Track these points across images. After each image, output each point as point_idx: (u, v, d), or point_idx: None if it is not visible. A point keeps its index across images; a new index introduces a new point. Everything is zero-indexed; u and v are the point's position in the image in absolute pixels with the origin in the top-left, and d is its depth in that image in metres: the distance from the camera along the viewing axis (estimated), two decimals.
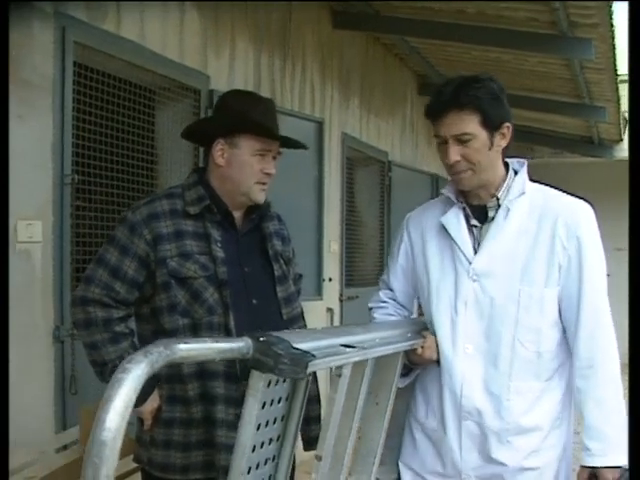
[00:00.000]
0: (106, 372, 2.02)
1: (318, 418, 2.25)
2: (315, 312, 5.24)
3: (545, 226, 1.95)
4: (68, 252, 3.02)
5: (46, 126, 2.92)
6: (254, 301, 2.10)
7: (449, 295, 2.01)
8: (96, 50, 3.18)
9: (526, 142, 9.70)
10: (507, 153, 2.02)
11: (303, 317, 2.28)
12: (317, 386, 2.27)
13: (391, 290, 2.24)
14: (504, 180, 2.00)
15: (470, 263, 1.98)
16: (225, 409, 1.99)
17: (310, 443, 2.25)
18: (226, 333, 2.00)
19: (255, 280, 2.12)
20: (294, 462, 2.27)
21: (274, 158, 2.13)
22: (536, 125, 8.64)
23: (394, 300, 2.24)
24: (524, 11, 4.66)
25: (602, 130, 8.45)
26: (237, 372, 2.00)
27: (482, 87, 1.90)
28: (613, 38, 4.81)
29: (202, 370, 2.00)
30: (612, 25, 4.56)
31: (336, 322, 5.78)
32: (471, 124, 1.89)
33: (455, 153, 1.92)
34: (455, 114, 1.90)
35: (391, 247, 2.27)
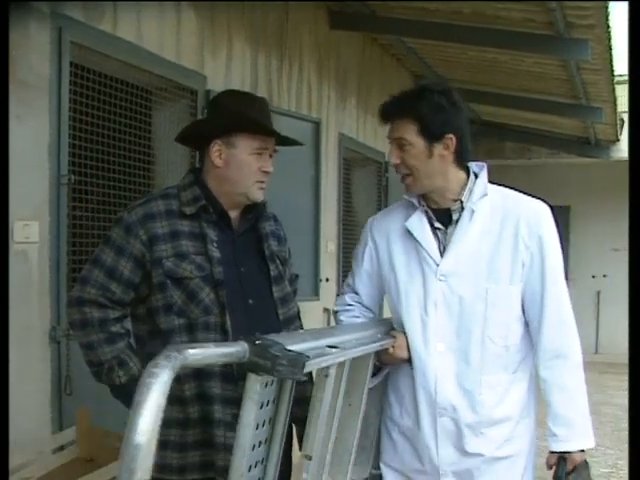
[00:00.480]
0: (102, 372, 2.02)
1: None
2: (312, 312, 5.25)
3: (508, 226, 2.04)
4: (65, 252, 3.02)
5: (43, 126, 2.92)
6: (250, 301, 2.10)
7: (418, 296, 2.08)
8: (93, 50, 3.18)
9: (523, 143, 9.72)
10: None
11: (299, 317, 2.28)
12: (313, 385, 2.27)
13: (356, 294, 2.30)
14: (465, 184, 2.07)
15: (437, 265, 2.05)
16: (222, 409, 1.99)
17: None
18: (222, 333, 2.01)
19: (251, 280, 2.12)
20: (290, 462, 2.28)
21: (271, 156, 2.13)
22: (533, 126, 8.67)
23: (360, 303, 2.30)
24: (521, 12, 4.67)
25: (599, 131, 8.47)
26: (234, 372, 2.00)
27: (424, 99, 2.01)
28: (609, 39, 4.83)
29: (199, 370, 2.00)
30: (608, 26, 4.58)
31: (333, 322, 5.77)
32: (408, 132, 2.01)
33: (395, 156, 2.07)
34: (397, 120, 2.05)
35: (355, 252, 2.32)
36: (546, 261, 2.03)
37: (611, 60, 5.35)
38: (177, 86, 3.79)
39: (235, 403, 2.00)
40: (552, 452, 2.05)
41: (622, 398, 7.49)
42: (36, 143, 2.88)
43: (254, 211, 2.19)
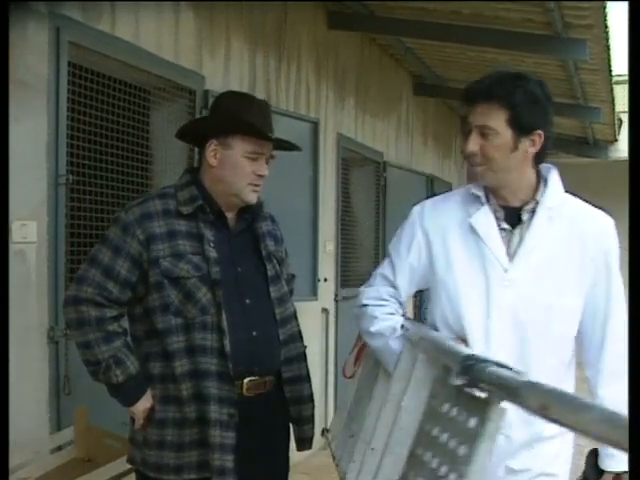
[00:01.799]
0: (99, 371, 2.02)
1: (311, 418, 2.26)
2: (310, 312, 5.25)
3: (575, 236, 1.91)
4: (63, 252, 3.01)
5: (41, 126, 2.92)
6: (247, 301, 2.10)
7: (481, 302, 1.90)
8: (91, 50, 3.17)
9: None
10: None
11: (296, 317, 2.29)
12: (310, 385, 2.28)
13: (394, 288, 2.08)
14: (535, 186, 1.94)
15: (505, 269, 1.89)
16: (219, 409, 1.99)
17: (303, 443, 2.27)
18: (219, 333, 2.01)
19: (248, 280, 2.13)
20: (288, 463, 2.29)
21: (267, 161, 2.13)
22: None
23: (395, 299, 2.08)
24: (519, 12, 4.67)
25: (597, 131, 8.48)
26: (229, 372, 2.00)
27: (521, 86, 1.83)
28: (607, 39, 4.83)
29: (195, 370, 2.00)
30: (606, 26, 4.58)
31: (331, 322, 5.79)
32: (496, 119, 1.83)
33: (474, 144, 1.87)
34: (485, 105, 1.84)
35: (396, 242, 2.09)
36: (611, 277, 1.92)
37: (609, 60, 5.35)
38: (175, 86, 3.79)
39: (231, 403, 2.00)
40: (607, 472, 1.93)
41: None
42: (34, 143, 2.88)
43: (251, 211, 2.19)
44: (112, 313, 2.03)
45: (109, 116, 3.34)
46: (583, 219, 1.95)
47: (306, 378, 2.26)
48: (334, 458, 2.39)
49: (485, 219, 1.93)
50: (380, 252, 6.76)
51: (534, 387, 1.10)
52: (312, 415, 2.27)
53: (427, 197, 7.28)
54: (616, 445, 0.93)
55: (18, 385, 2.66)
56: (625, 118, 8.58)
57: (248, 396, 2.06)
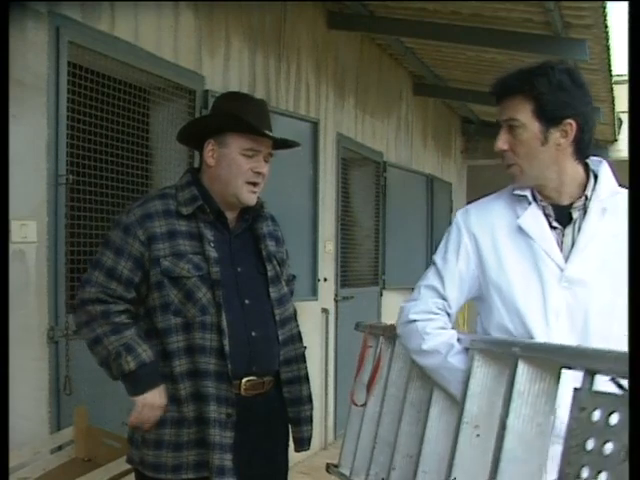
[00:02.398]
0: (112, 363, 2.00)
1: (309, 419, 2.26)
2: (310, 312, 5.25)
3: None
4: (63, 252, 3.01)
5: (40, 126, 2.92)
6: (246, 301, 2.10)
7: (538, 305, 1.80)
8: (90, 50, 3.17)
9: None
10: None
11: (296, 318, 2.28)
12: (309, 386, 2.28)
13: (444, 299, 1.92)
14: (585, 182, 1.84)
15: (561, 269, 1.79)
16: (217, 408, 1.99)
17: (301, 444, 2.26)
18: (218, 333, 2.01)
19: (248, 280, 2.13)
20: (287, 463, 2.29)
21: (266, 160, 2.13)
22: None
23: (444, 311, 1.93)
24: (519, 12, 4.67)
25: (597, 130, 8.43)
26: (228, 372, 2.00)
27: (545, 75, 1.76)
28: (607, 39, 4.83)
29: (194, 369, 2.00)
30: (606, 26, 4.58)
31: (331, 322, 5.79)
32: (522, 112, 1.77)
33: (502, 141, 1.82)
34: (510, 99, 1.80)
35: (442, 250, 1.96)
36: None
37: (609, 60, 5.35)
38: (175, 86, 3.79)
39: (229, 403, 2.00)
40: None
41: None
42: (34, 143, 2.88)
43: (251, 212, 2.19)
44: (118, 307, 2.02)
45: (109, 116, 3.34)
46: None
47: (305, 379, 2.26)
48: None
49: (534, 218, 1.84)
50: (380, 252, 6.77)
51: None
52: (311, 416, 2.27)
53: (427, 197, 7.29)
54: None
55: (18, 385, 2.66)
56: (625, 118, 8.58)
57: (246, 396, 2.06)
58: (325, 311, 5.69)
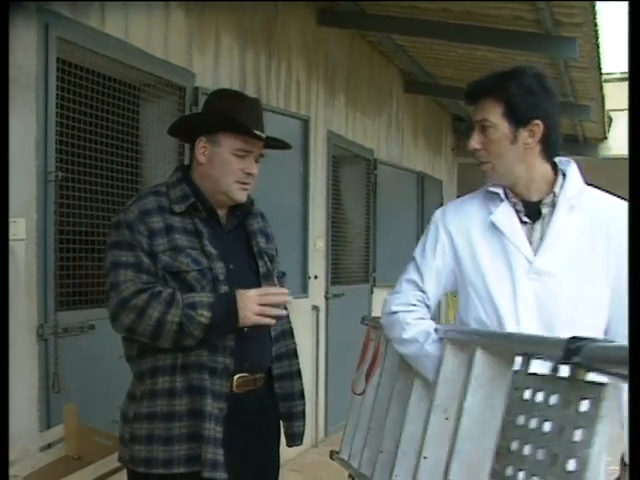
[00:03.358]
0: (188, 329, 1.94)
1: (301, 414, 2.26)
2: (301, 310, 5.25)
3: (600, 226, 1.92)
4: (52, 250, 3.00)
5: (29, 123, 2.91)
6: None
7: (508, 296, 1.93)
8: (80, 47, 3.16)
9: None
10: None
11: (287, 315, 2.28)
12: (301, 382, 2.28)
13: (423, 292, 2.08)
14: (553, 180, 1.97)
15: (529, 262, 1.91)
16: (213, 402, 1.99)
17: (293, 439, 2.27)
18: None
19: (240, 277, 2.13)
20: (279, 460, 2.29)
21: (257, 160, 2.13)
22: None
23: (424, 303, 2.09)
24: (509, 10, 4.68)
25: (586, 128, 8.51)
26: (220, 367, 2.00)
27: (515, 79, 1.89)
28: (597, 37, 4.85)
29: (186, 363, 2.00)
30: (596, 24, 4.60)
31: (322, 320, 5.79)
32: (493, 113, 1.91)
33: (475, 140, 1.96)
34: (483, 101, 1.94)
35: (420, 247, 2.11)
36: None
37: (599, 58, 5.37)
38: (165, 83, 3.78)
39: (221, 398, 2.01)
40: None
41: None
42: (23, 140, 2.87)
43: (242, 209, 2.20)
44: (158, 288, 1.98)
45: (98, 113, 3.32)
46: (606, 209, 1.95)
47: (297, 374, 2.27)
48: (358, 476, 2.41)
49: (506, 215, 1.97)
50: (370, 249, 6.77)
51: None
52: (303, 411, 2.27)
53: (418, 194, 7.32)
54: None
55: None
56: (614, 116, 8.61)
57: (238, 393, 2.06)
58: (316, 308, 5.69)
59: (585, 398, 1.21)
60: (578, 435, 1.21)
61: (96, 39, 3.24)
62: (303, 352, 2.39)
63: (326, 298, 5.90)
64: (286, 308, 2.29)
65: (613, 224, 1.91)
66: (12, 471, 2.46)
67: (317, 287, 5.69)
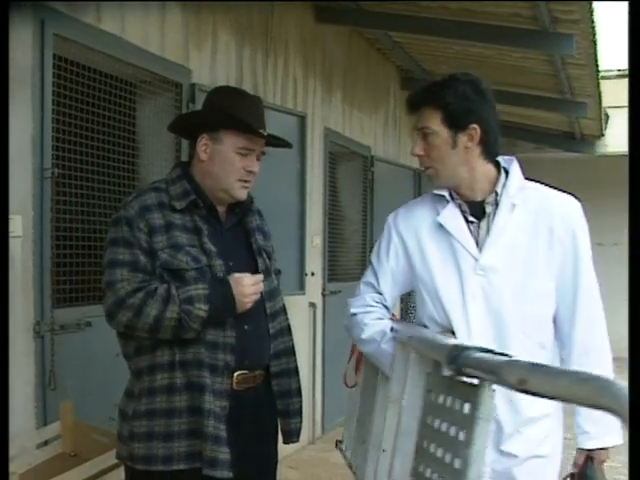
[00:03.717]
0: (188, 323, 1.96)
1: (298, 411, 2.26)
2: (297, 307, 5.25)
3: (542, 220, 2.00)
4: (48, 247, 3.00)
5: (25, 119, 2.90)
6: None
7: (456, 294, 2.02)
8: (76, 43, 3.15)
9: (509, 137, 9.75)
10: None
11: (285, 311, 2.29)
12: (298, 379, 2.28)
13: (379, 294, 2.19)
14: (495, 178, 2.04)
15: (475, 259, 2.00)
16: (213, 400, 1.99)
17: (290, 436, 2.27)
18: (212, 325, 2.02)
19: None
20: (277, 457, 2.29)
21: (258, 158, 2.13)
22: (518, 120, 8.69)
23: (381, 304, 2.19)
24: (506, 6, 4.67)
25: (583, 126, 8.51)
26: (221, 365, 2.00)
27: (450, 87, 1.98)
28: (594, 34, 4.85)
29: (190, 360, 2.00)
30: (593, 21, 4.59)
31: (319, 317, 5.79)
32: (432, 120, 1.99)
33: (418, 147, 2.05)
34: (422, 109, 2.03)
35: (376, 250, 2.23)
36: (579, 257, 1.99)
37: (596, 55, 5.37)
38: (162, 79, 3.77)
39: (223, 396, 2.01)
40: (582, 449, 2.00)
41: None
42: (19, 136, 2.86)
43: (241, 206, 2.20)
44: (154, 284, 1.99)
45: (95, 109, 3.32)
46: (549, 203, 2.04)
47: (294, 372, 2.27)
48: (351, 467, 2.48)
49: (452, 215, 2.06)
50: (368, 246, 6.77)
51: (511, 364, 1.18)
52: (300, 408, 2.27)
53: (415, 191, 7.36)
54: (590, 402, 0.99)
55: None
56: (612, 113, 8.61)
57: (238, 390, 2.06)
58: (312, 305, 5.69)
59: (467, 401, 1.31)
60: (462, 436, 1.30)
61: (92, 35, 3.22)
62: (300, 349, 2.39)
63: (323, 295, 5.90)
64: (284, 305, 2.30)
65: (555, 217, 2.00)
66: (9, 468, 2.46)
67: (314, 284, 5.69)
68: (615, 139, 8.87)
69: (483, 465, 1.27)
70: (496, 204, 2.03)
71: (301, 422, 2.28)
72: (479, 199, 2.04)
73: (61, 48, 3.06)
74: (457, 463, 1.29)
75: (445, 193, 2.07)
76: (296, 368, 2.28)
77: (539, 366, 1.14)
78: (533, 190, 2.06)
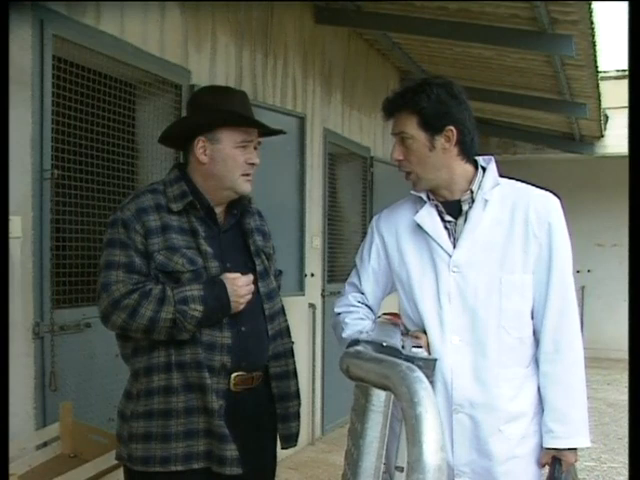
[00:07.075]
0: (183, 324, 1.96)
1: (297, 414, 2.26)
2: (297, 308, 5.25)
3: (518, 215, 2.02)
4: (48, 248, 3.00)
5: (25, 120, 2.90)
6: None
7: (432, 290, 2.04)
8: (76, 44, 3.15)
9: (508, 138, 9.76)
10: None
11: (284, 312, 2.29)
12: (297, 382, 2.27)
13: (362, 293, 2.24)
14: (473, 177, 2.07)
15: (450, 256, 2.03)
16: (217, 399, 1.99)
17: (288, 441, 2.25)
18: (209, 327, 2.01)
19: None
20: (276, 457, 2.29)
21: (256, 148, 2.14)
22: (518, 121, 8.70)
23: (364, 304, 2.23)
24: (505, 7, 4.68)
25: (583, 126, 8.51)
26: (218, 365, 2.00)
27: (424, 92, 2.00)
28: (593, 35, 4.85)
29: (187, 361, 2.00)
30: (592, 22, 4.59)
31: (318, 318, 5.79)
32: (409, 125, 2.01)
33: (397, 152, 2.06)
34: (398, 115, 2.04)
35: (360, 251, 2.28)
36: (554, 251, 2.01)
37: (595, 56, 5.37)
38: (161, 80, 3.77)
39: (219, 395, 2.01)
40: (547, 449, 2.00)
41: (605, 392, 7.57)
42: (18, 137, 2.86)
43: (239, 207, 2.20)
44: (148, 285, 1.99)
45: (94, 110, 3.32)
46: (525, 198, 2.05)
47: (293, 374, 2.26)
48: None
49: (428, 215, 2.09)
50: None
51: (345, 354, 1.25)
52: (298, 412, 2.27)
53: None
54: (385, 383, 1.08)
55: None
56: (611, 114, 8.62)
57: (235, 391, 2.06)
58: (312, 306, 5.69)
59: (367, 394, 1.36)
60: (359, 428, 1.36)
61: (92, 36, 3.23)
62: (299, 350, 2.39)
63: (322, 296, 5.90)
64: (284, 306, 2.30)
65: (531, 211, 2.02)
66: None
67: (313, 285, 5.69)
68: (614, 140, 8.87)
69: (378, 459, 1.31)
70: (472, 202, 2.06)
71: (299, 425, 2.28)
72: (457, 198, 2.08)
73: (60, 49, 3.07)
74: (355, 455, 1.34)
75: (422, 194, 2.11)
76: (295, 370, 2.28)
77: (358, 353, 1.24)
78: (509, 186, 2.09)
